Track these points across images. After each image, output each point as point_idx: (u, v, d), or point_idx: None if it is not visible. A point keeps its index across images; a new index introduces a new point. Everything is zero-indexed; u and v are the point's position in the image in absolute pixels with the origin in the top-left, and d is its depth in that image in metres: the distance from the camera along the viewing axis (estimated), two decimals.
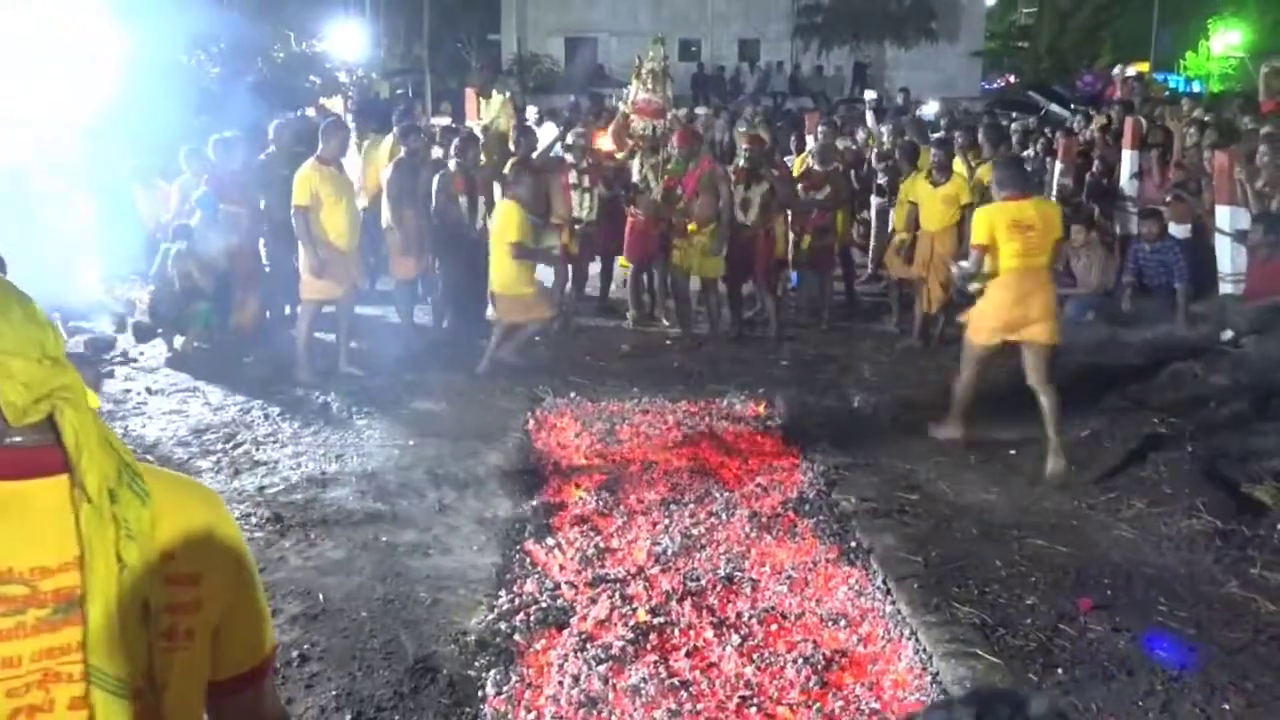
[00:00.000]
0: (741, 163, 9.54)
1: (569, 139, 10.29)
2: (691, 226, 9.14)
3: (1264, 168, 8.77)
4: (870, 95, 22.29)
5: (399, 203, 9.00)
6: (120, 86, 8.93)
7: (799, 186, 9.90)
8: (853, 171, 11.39)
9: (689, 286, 9.66)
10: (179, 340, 8.65)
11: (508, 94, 14.28)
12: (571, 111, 18.44)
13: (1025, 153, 12.66)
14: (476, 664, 4.24)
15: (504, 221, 8.21)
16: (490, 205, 9.17)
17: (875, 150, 12.43)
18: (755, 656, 4.30)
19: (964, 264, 6.89)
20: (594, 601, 4.73)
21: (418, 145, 9.47)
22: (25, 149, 8.65)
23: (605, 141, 10.63)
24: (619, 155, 10.37)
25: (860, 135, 14.10)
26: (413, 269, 9.38)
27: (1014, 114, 20.99)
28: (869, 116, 17.25)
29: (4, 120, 8.45)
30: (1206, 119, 10.40)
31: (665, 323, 10.04)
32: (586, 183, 9.77)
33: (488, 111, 11.59)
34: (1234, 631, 4.49)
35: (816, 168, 10.10)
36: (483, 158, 9.88)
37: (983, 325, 6.61)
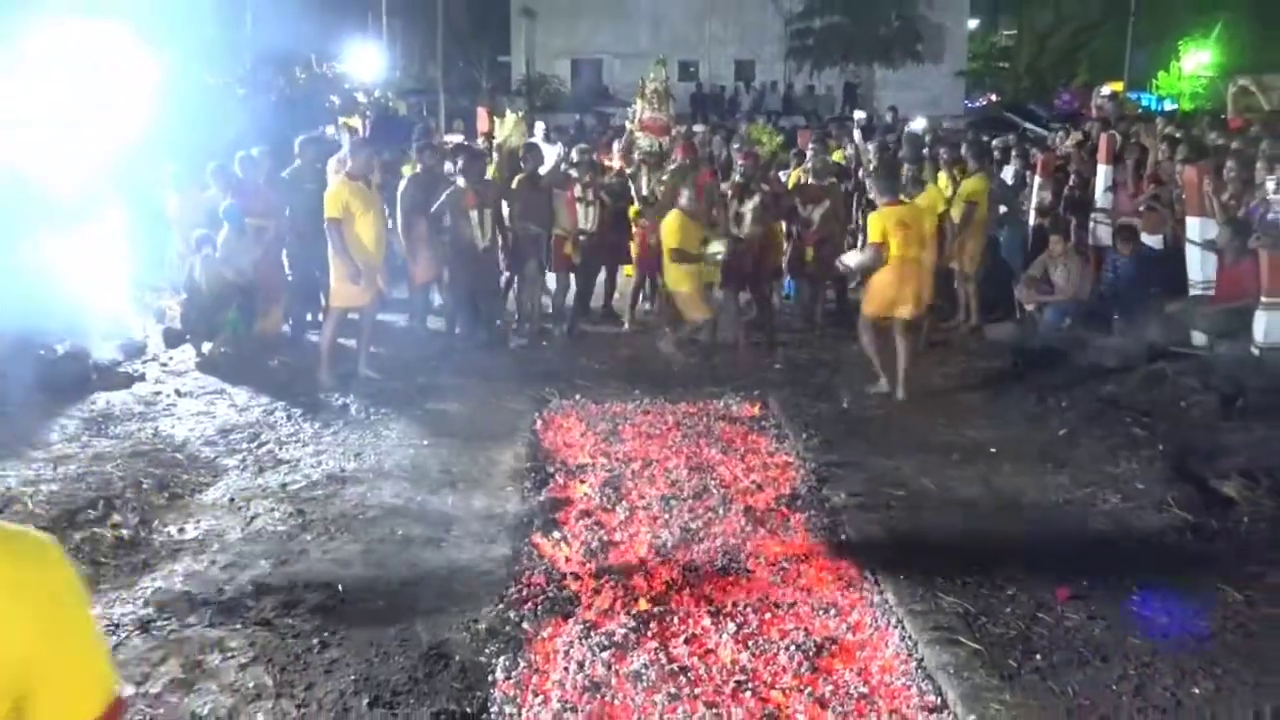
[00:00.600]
0: (737, 177, 9.55)
1: (573, 155, 10.31)
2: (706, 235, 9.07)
3: (1230, 181, 8.77)
4: (860, 115, 22.32)
5: (412, 214, 9.02)
6: (156, 105, 8.98)
7: (797, 201, 9.90)
8: (842, 185, 11.37)
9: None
10: (207, 346, 8.67)
11: (520, 112, 14.32)
12: (577, 129, 18.49)
13: (1006, 168, 12.66)
14: (487, 651, 4.24)
15: (668, 229, 8.64)
16: (499, 219, 9.19)
17: (865, 167, 12.43)
18: (750, 643, 4.30)
19: (860, 256, 8.30)
20: (598, 592, 4.74)
21: (432, 161, 9.50)
22: (63, 160, 8.68)
23: (614, 158, 10.68)
24: (627, 170, 10.40)
25: (849, 151, 14.10)
26: (427, 275, 9.42)
27: (995, 133, 20.99)
28: (856, 134, 17.29)
29: (48, 133, 8.49)
30: (1178, 135, 10.39)
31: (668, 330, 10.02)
32: (590, 196, 9.78)
33: (502, 129, 11.62)
34: (1203, 620, 4.48)
35: (812, 182, 10.11)
36: (492, 173, 9.91)
37: (873, 301, 7.95)
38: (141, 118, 8.89)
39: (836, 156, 12.35)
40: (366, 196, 8.02)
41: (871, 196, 10.99)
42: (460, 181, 9.02)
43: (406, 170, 10.39)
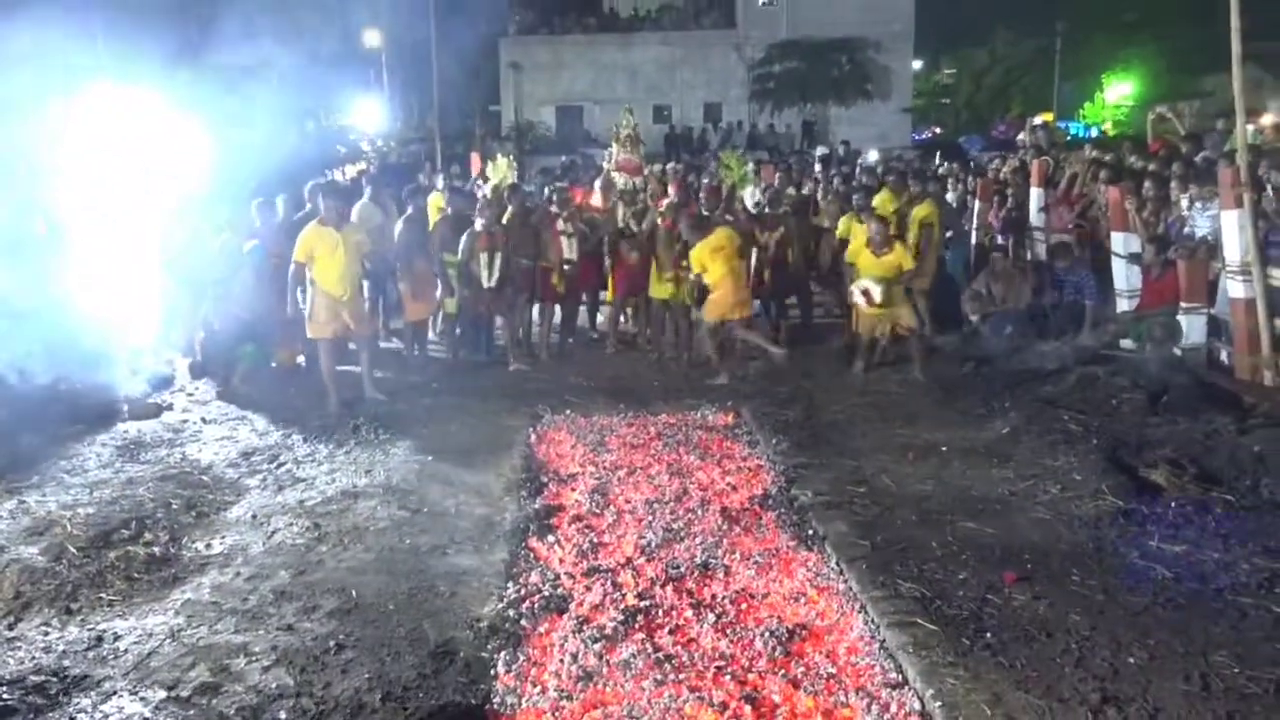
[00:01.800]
0: (703, 211, 9.57)
1: (554, 194, 10.35)
2: (685, 262, 9.02)
3: (1149, 200, 8.85)
4: (821, 150, 22.48)
5: (409, 253, 9.01)
6: (191, 160, 8.98)
7: (754, 229, 9.91)
8: (807, 211, 11.41)
9: (664, 315, 9.71)
10: (228, 377, 8.62)
11: (511, 156, 14.35)
12: (565, 169, 18.54)
13: (950, 193, 12.74)
14: (489, 647, 4.23)
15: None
16: (506, 258, 9.18)
17: (827, 196, 12.54)
18: (729, 632, 4.30)
19: (693, 277, 8.83)
20: (589, 589, 4.73)
21: (424, 204, 9.50)
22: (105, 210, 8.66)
23: (596, 196, 10.70)
24: (605, 206, 10.41)
25: (809, 185, 14.16)
26: (424, 311, 9.40)
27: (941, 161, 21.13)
28: (818, 167, 17.40)
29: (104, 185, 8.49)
30: (1106, 159, 10.47)
31: (649, 348, 10.04)
32: (571, 229, 9.79)
33: (495, 172, 11.63)
34: (1136, 596, 4.50)
35: (768, 211, 10.16)
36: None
37: (713, 312, 8.75)
38: (184, 167, 8.88)
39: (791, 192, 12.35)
40: (333, 239, 7.96)
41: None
42: (478, 225, 9.04)
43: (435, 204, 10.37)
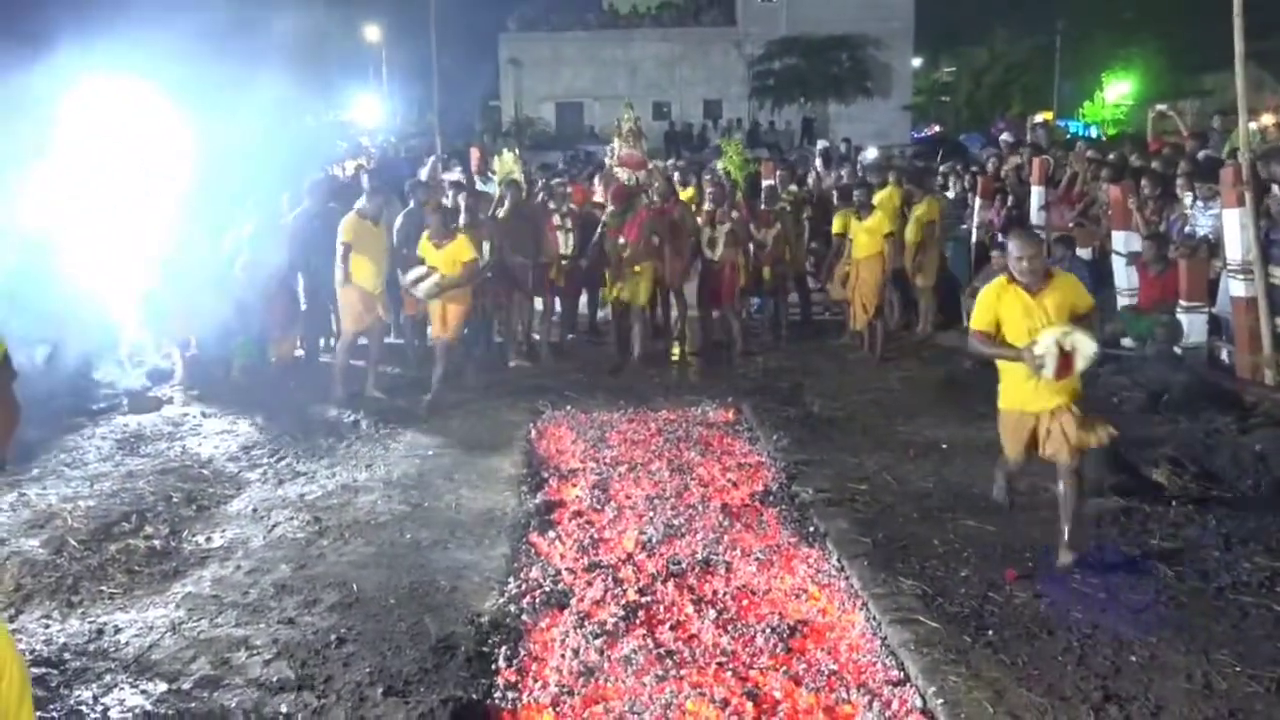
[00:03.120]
0: (708, 206, 9.56)
1: (552, 187, 10.33)
2: (637, 268, 9.01)
3: (1149, 198, 8.85)
4: (822, 144, 22.45)
5: (405, 248, 9.00)
6: (191, 157, 8.94)
7: (751, 226, 9.91)
8: (809, 209, 11.37)
9: (628, 314, 9.36)
10: (226, 370, 8.61)
11: (516, 151, 14.31)
12: (568, 164, 18.53)
13: (950, 191, 12.72)
14: (490, 641, 4.22)
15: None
16: (493, 247, 9.17)
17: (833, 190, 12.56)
18: (729, 628, 4.29)
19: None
20: (590, 585, 4.72)
21: (424, 198, 9.47)
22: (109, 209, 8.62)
23: (597, 192, 10.68)
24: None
25: (811, 179, 14.13)
26: (419, 306, 9.38)
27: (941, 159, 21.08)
28: (818, 162, 17.35)
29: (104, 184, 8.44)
30: (1108, 158, 10.48)
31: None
32: (569, 225, 9.78)
33: (501, 166, 11.60)
34: (1138, 594, 4.50)
35: (764, 208, 10.15)
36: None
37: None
38: (182, 166, 8.83)
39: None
40: (371, 233, 8.01)
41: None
42: (462, 218, 9.02)
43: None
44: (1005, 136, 16.13)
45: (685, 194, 10.50)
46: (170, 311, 8.95)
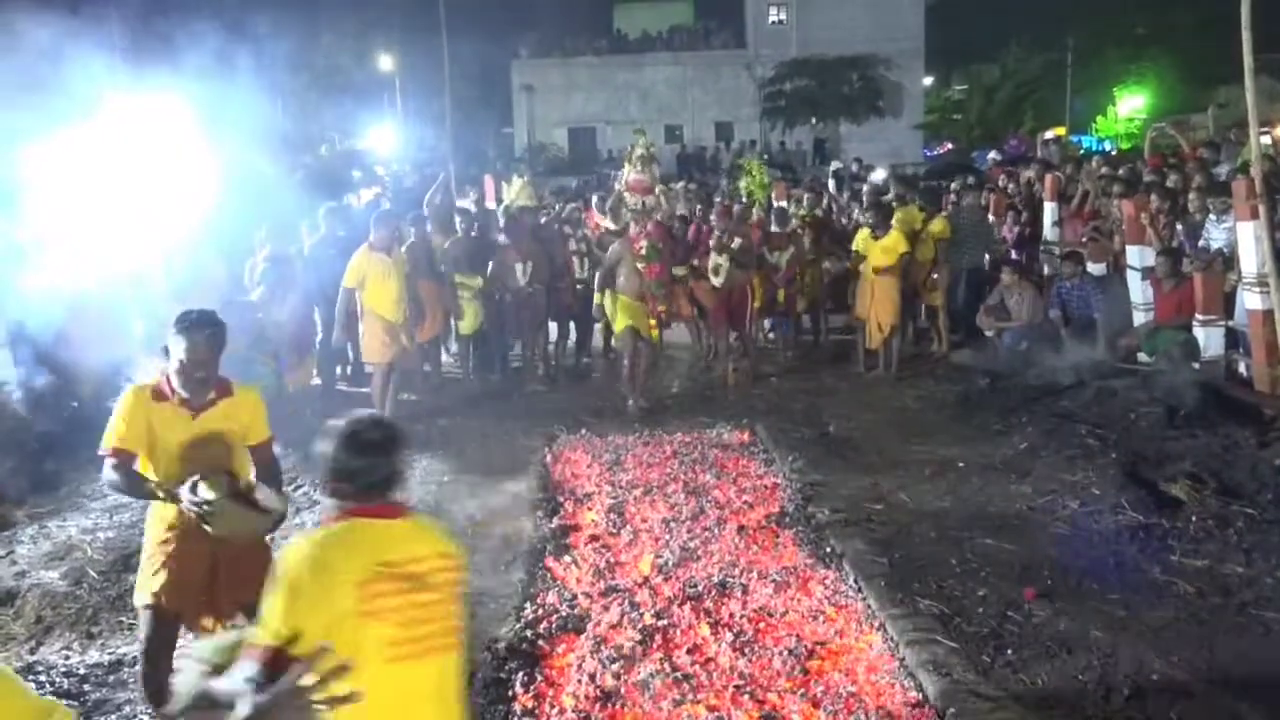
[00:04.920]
0: (717, 233, 9.57)
1: (565, 213, 10.40)
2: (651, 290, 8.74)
3: (1159, 213, 8.83)
4: (836, 164, 22.50)
5: (413, 276, 9.05)
6: (209, 182, 9.02)
7: (764, 249, 9.91)
8: (826, 230, 11.38)
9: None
10: None
11: (526, 177, 14.42)
12: (582, 188, 18.63)
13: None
14: (507, 668, 4.22)
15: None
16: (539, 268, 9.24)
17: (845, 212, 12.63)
18: (747, 650, 4.28)
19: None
20: (606, 609, 4.72)
21: (426, 229, 9.53)
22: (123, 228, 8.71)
23: (605, 219, 10.72)
24: (616, 226, 10.42)
25: (825, 200, 14.15)
26: (427, 334, 9.41)
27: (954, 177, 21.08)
28: (831, 184, 17.40)
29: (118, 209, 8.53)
30: (1120, 173, 10.47)
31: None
32: (584, 249, 9.83)
33: (509, 192, 11.68)
34: (1158, 611, 4.46)
35: (775, 229, 10.16)
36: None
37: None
38: (201, 190, 8.91)
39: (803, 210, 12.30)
40: (385, 265, 8.06)
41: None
42: (502, 239, 9.15)
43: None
44: (993, 155, 16.11)
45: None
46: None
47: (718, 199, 13.32)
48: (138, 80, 8.26)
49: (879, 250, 9.19)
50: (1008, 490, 6.19)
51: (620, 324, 8.54)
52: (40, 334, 7.51)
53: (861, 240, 9.67)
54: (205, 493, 3.32)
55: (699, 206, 12.12)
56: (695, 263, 9.48)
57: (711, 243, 9.50)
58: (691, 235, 9.77)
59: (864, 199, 12.04)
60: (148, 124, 8.62)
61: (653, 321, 8.80)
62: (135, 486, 3.51)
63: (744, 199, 15.72)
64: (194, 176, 8.87)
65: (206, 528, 3.34)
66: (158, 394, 3.54)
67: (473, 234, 9.51)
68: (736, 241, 9.40)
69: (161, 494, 3.45)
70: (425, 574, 2.29)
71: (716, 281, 9.25)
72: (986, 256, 10.76)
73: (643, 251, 8.58)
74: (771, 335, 11.08)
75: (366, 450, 2.36)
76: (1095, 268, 9.85)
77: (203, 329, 3.51)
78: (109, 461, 3.48)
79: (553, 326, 10.01)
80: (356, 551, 2.25)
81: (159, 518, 3.59)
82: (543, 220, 10.33)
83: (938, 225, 10.13)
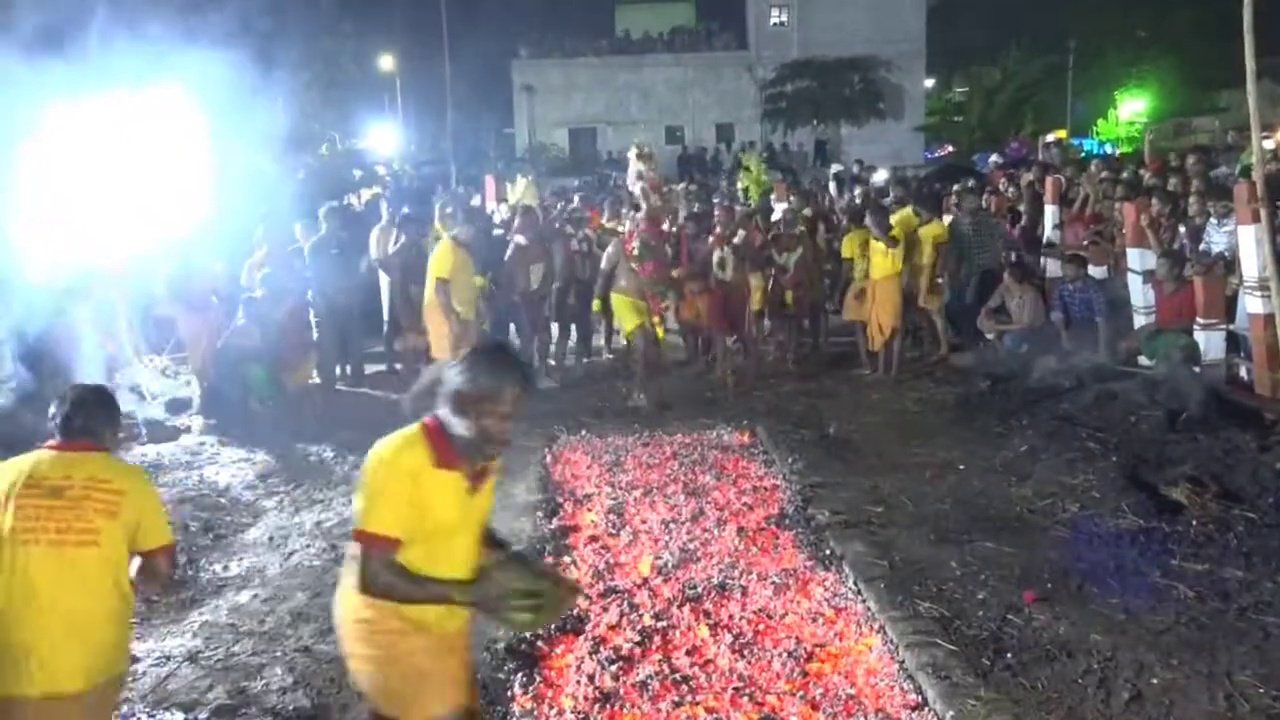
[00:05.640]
0: (719, 229, 9.61)
1: (567, 214, 10.40)
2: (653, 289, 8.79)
3: (1160, 216, 8.83)
4: (837, 167, 22.52)
5: (405, 281, 9.04)
6: (208, 179, 9.01)
7: (772, 250, 9.92)
8: (821, 231, 11.39)
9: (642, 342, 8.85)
10: (247, 399, 8.66)
11: (531, 176, 14.43)
12: (584, 187, 18.67)
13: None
14: (505, 668, 4.21)
15: None
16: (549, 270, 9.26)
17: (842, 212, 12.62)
18: (746, 653, 4.27)
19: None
20: (605, 610, 4.71)
21: (414, 231, 9.53)
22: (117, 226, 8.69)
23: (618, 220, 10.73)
24: (620, 227, 10.42)
25: (826, 201, 14.18)
26: (418, 338, 9.40)
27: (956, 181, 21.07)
28: (831, 185, 17.42)
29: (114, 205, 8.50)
30: (1121, 176, 10.48)
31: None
32: (586, 249, 9.84)
33: (514, 192, 11.69)
34: (1159, 616, 4.46)
35: (785, 231, 10.15)
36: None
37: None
38: (197, 188, 8.89)
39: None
40: (466, 263, 8.16)
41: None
42: (520, 240, 9.17)
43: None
44: (996, 159, 16.15)
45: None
46: (188, 341, 9.04)
47: (716, 199, 13.33)
48: (134, 77, 8.24)
49: (880, 253, 9.20)
50: (1008, 493, 6.19)
51: (629, 325, 8.60)
52: (23, 330, 7.47)
53: (856, 242, 9.69)
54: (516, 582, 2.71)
55: (695, 207, 12.16)
56: (676, 273, 9.35)
57: (713, 240, 9.53)
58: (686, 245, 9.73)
59: (859, 201, 12.05)
60: (147, 119, 8.60)
61: (656, 319, 8.83)
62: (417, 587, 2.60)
63: (743, 198, 15.75)
64: (192, 174, 8.86)
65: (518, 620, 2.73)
66: (442, 459, 2.65)
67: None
68: (739, 235, 9.42)
69: (458, 597, 2.65)
70: (64, 488, 2.96)
71: (722, 276, 9.27)
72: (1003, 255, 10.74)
73: (635, 251, 8.61)
74: (771, 337, 11.07)
75: (62, 402, 3.15)
76: (1097, 271, 9.86)
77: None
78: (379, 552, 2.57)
79: (553, 327, 10.01)
80: (14, 468, 3.03)
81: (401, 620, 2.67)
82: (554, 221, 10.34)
83: (936, 228, 10.12)
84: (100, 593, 2.96)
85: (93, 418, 3.16)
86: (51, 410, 3.16)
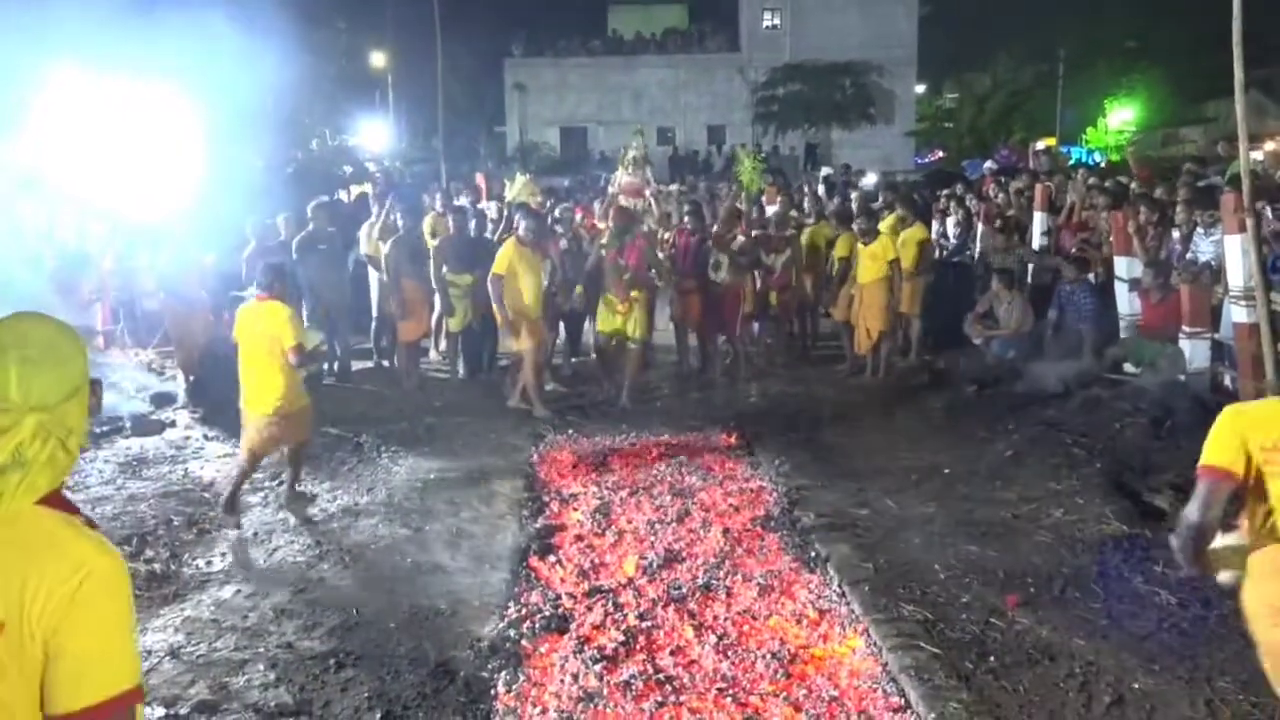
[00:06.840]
0: (715, 229, 9.62)
1: (557, 213, 10.37)
2: (635, 294, 8.64)
3: (1147, 225, 8.88)
4: (826, 171, 22.55)
5: (398, 275, 9.02)
6: (196, 173, 8.98)
7: (760, 251, 9.94)
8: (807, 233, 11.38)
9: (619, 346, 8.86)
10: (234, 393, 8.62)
11: (528, 175, 14.41)
12: (575, 187, 18.66)
13: (950, 217, 12.76)
14: (489, 666, 4.21)
15: None
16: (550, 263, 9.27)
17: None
18: (730, 653, 4.28)
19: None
20: (590, 609, 4.71)
21: (412, 225, 9.53)
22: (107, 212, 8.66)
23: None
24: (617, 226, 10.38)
25: (808, 204, 14.16)
26: (415, 332, 9.37)
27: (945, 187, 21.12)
28: (820, 188, 17.44)
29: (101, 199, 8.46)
30: (1106, 185, 10.53)
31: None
32: (575, 249, 9.82)
33: (511, 190, 11.67)
34: (1140, 621, 4.48)
35: (773, 233, 10.16)
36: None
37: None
38: (186, 181, 8.85)
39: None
40: (531, 260, 8.22)
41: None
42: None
43: (428, 227, 10.30)
44: (990, 166, 16.21)
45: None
46: (177, 337, 9.00)
47: (713, 201, 13.33)
48: (127, 69, 8.21)
49: (867, 257, 9.22)
50: (992, 497, 6.21)
51: (601, 325, 8.72)
52: None
53: (845, 245, 9.71)
54: None
55: (691, 209, 12.14)
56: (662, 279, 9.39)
57: (711, 241, 9.53)
58: (683, 246, 9.68)
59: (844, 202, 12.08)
60: (138, 111, 8.57)
61: (636, 318, 8.68)
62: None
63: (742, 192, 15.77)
64: (183, 165, 8.84)
65: None
66: None
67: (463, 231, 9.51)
68: (738, 240, 9.43)
69: None
70: None
71: (717, 278, 9.28)
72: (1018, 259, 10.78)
73: (604, 241, 8.71)
74: (762, 339, 11.07)
75: None
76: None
77: None
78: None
79: None
80: None
81: None
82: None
83: (917, 231, 10.15)
84: None
85: None
86: None
